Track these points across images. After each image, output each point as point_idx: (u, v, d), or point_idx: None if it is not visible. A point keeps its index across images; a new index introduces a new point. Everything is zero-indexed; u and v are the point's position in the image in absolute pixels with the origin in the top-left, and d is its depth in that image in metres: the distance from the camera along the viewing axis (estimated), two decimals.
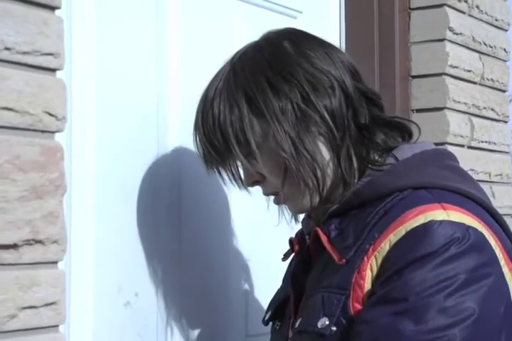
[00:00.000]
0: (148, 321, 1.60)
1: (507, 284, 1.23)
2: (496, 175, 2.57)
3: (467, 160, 2.40)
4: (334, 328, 1.22)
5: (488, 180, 2.52)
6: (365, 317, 1.18)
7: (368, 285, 1.21)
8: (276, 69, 1.32)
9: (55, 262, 1.16)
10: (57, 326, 1.16)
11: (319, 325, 1.23)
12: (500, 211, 2.53)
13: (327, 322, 1.22)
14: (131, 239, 1.57)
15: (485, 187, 2.51)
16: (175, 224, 1.67)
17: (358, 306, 1.21)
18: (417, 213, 1.21)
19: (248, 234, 1.83)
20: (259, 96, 1.30)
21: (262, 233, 1.85)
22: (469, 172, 2.38)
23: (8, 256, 1.09)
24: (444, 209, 1.21)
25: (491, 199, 2.51)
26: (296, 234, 1.46)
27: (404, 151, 1.32)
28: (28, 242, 1.11)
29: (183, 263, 1.68)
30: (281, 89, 1.30)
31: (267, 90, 1.30)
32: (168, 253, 1.65)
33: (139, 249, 1.59)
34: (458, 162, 1.38)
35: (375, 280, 1.20)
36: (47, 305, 1.13)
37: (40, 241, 1.12)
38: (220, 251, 1.78)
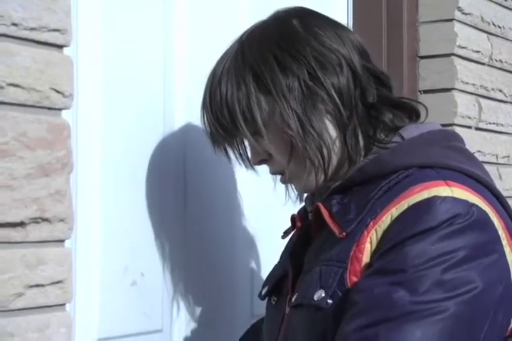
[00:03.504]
0: (154, 301, 1.60)
1: (508, 264, 1.23)
2: (503, 157, 2.56)
3: (474, 142, 2.39)
4: (330, 301, 1.22)
5: (496, 161, 2.51)
6: (361, 286, 1.19)
7: (365, 258, 1.21)
8: (285, 47, 1.31)
9: (62, 240, 1.15)
10: (63, 305, 1.16)
11: (315, 297, 1.24)
12: (507, 193, 2.54)
13: (323, 295, 1.23)
14: (137, 219, 1.57)
15: (492, 168, 2.51)
16: (180, 203, 1.66)
17: (356, 279, 1.21)
18: (422, 189, 1.21)
19: (254, 213, 1.83)
20: (267, 73, 1.30)
21: (268, 212, 1.85)
22: (476, 154, 2.39)
23: (15, 234, 1.08)
24: (448, 186, 1.22)
25: (498, 181, 2.52)
26: (299, 212, 1.46)
27: (411, 131, 1.33)
28: (35, 220, 1.10)
29: (189, 243, 1.67)
30: (289, 66, 1.30)
31: (275, 67, 1.30)
32: (174, 233, 1.64)
33: (145, 228, 1.59)
34: (464, 143, 1.38)
35: (374, 254, 1.21)
36: (53, 283, 1.13)
37: (46, 220, 1.12)
38: (225, 231, 1.77)
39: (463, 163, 1.29)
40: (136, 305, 1.56)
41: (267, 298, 1.47)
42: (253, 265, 1.84)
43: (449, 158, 1.29)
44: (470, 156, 1.35)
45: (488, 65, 2.51)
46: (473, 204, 1.20)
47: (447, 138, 1.35)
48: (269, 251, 1.81)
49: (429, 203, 1.19)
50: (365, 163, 1.31)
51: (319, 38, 1.32)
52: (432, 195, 1.20)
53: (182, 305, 1.66)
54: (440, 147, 1.31)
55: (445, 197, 1.19)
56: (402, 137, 1.31)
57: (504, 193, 2.52)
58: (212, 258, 1.74)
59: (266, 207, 1.84)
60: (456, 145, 1.34)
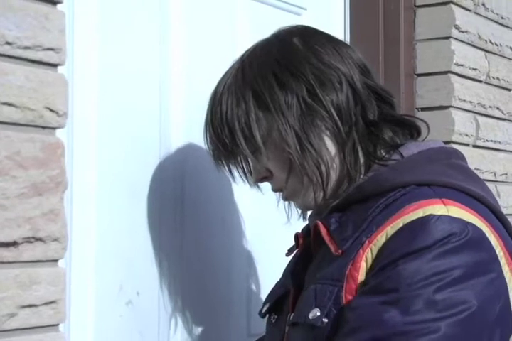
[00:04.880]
0: (149, 320, 1.59)
1: (506, 283, 1.22)
2: (501, 175, 2.56)
3: (472, 159, 2.38)
4: (325, 320, 1.21)
5: (494, 179, 2.51)
6: (353, 304, 1.18)
7: (361, 277, 1.21)
8: (284, 65, 1.32)
9: (56, 260, 1.14)
10: (57, 325, 1.14)
11: (310, 316, 1.23)
12: (506, 211, 2.53)
13: (318, 313, 1.22)
14: (132, 237, 1.56)
15: (490, 186, 2.48)
16: (177, 222, 1.65)
17: (351, 298, 1.21)
18: (417, 207, 1.21)
19: (252, 232, 1.82)
20: (266, 90, 1.31)
21: (264, 231, 1.84)
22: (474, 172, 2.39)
23: (7, 253, 1.07)
24: (444, 204, 1.21)
25: (496, 198, 2.51)
26: (302, 230, 1.45)
27: (411, 148, 1.32)
28: (28, 240, 1.09)
29: (185, 261, 1.67)
30: (288, 83, 1.31)
31: (274, 85, 1.31)
32: (170, 252, 1.64)
33: (141, 247, 1.58)
34: (465, 160, 1.38)
35: (369, 272, 1.21)
36: (47, 303, 1.12)
37: (40, 239, 1.11)
38: (222, 250, 1.76)
39: (461, 181, 1.28)
40: (132, 324, 1.55)
41: (267, 316, 1.46)
42: (250, 284, 1.83)
43: (448, 175, 1.28)
44: (470, 174, 1.34)
45: (486, 83, 2.52)
46: (468, 223, 1.20)
47: (447, 156, 1.34)
48: (267, 270, 1.80)
49: (423, 222, 1.19)
50: (363, 181, 1.30)
51: (319, 55, 1.33)
52: (427, 213, 1.19)
53: (178, 324, 1.65)
54: (439, 165, 1.31)
55: (440, 216, 1.19)
56: (402, 155, 1.31)
57: (503, 211, 2.52)
58: (209, 277, 1.73)
59: (264, 226, 1.83)
60: (456, 163, 1.34)
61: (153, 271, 1.60)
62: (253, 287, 1.83)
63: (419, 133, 1.38)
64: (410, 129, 1.37)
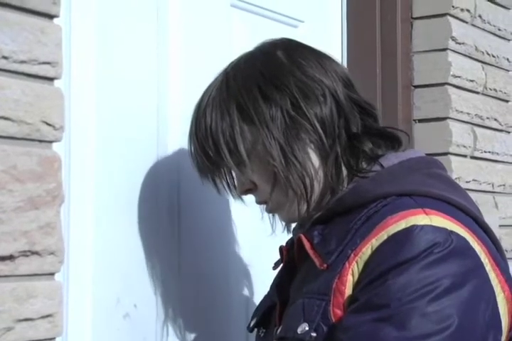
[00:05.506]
0: (147, 333, 1.59)
1: (493, 289, 1.22)
2: (498, 186, 2.56)
3: (470, 171, 2.39)
4: (314, 334, 1.21)
5: (491, 190, 2.51)
6: (346, 323, 1.17)
7: (348, 290, 1.21)
8: (268, 78, 1.32)
9: (52, 273, 1.14)
10: (53, 339, 1.15)
11: (299, 330, 1.23)
12: (504, 222, 2.53)
13: (307, 328, 1.22)
14: (130, 250, 1.56)
15: (488, 197, 2.51)
16: (174, 234, 1.65)
17: (339, 312, 1.20)
18: (399, 218, 1.21)
19: (248, 241, 1.82)
20: (250, 103, 1.31)
21: (262, 240, 1.83)
22: (472, 183, 2.39)
23: (4, 267, 1.08)
24: (426, 214, 1.21)
25: (494, 209, 2.52)
26: (287, 243, 1.45)
27: (390, 159, 1.33)
28: (25, 253, 1.10)
29: (183, 273, 1.66)
30: (272, 96, 1.31)
31: (258, 98, 1.31)
32: (167, 264, 1.63)
33: (138, 259, 1.58)
34: (445, 170, 1.39)
35: (356, 286, 1.20)
36: (43, 317, 1.12)
37: (36, 253, 1.11)
38: (219, 261, 1.76)
39: (442, 190, 1.28)
40: (129, 337, 1.55)
41: (255, 330, 1.46)
42: (249, 294, 1.83)
43: (428, 185, 1.29)
44: (451, 183, 1.35)
45: (483, 94, 2.52)
46: (452, 232, 1.20)
47: (427, 166, 1.35)
48: (265, 280, 1.80)
49: (407, 233, 1.19)
50: (344, 193, 1.31)
51: (302, 68, 1.33)
52: (410, 224, 1.19)
53: (176, 336, 1.65)
54: (420, 174, 1.31)
55: (423, 226, 1.19)
56: (382, 165, 1.31)
57: (501, 222, 2.53)
58: (206, 289, 1.73)
59: (261, 237, 1.83)
60: (436, 172, 1.34)
61: (150, 284, 1.59)
62: (252, 297, 1.83)
63: (400, 144, 1.38)
64: (392, 141, 1.37)
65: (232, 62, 1.39)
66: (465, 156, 2.40)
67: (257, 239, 1.83)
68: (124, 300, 1.54)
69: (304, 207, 1.33)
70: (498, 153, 2.57)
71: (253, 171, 1.33)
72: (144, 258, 1.58)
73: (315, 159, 1.32)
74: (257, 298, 1.81)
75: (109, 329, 1.51)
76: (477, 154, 2.46)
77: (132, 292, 1.55)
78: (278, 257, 1.47)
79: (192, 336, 1.68)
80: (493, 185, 2.52)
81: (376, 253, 1.19)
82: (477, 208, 1.32)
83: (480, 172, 2.46)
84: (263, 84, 1.32)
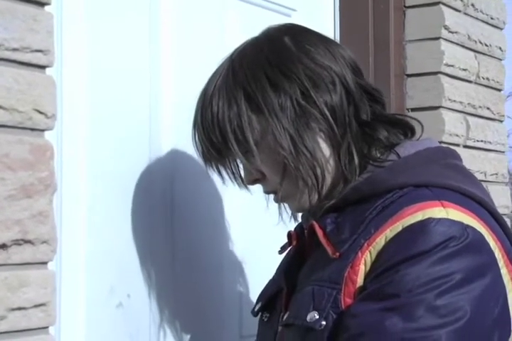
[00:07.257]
0: (140, 322, 1.59)
1: (504, 286, 1.21)
2: (491, 175, 2.56)
3: (463, 160, 2.38)
4: (324, 323, 1.20)
5: (484, 179, 2.51)
6: (354, 310, 1.17)
7: (360, 280, 1.20)
8: (276, 65, 1.29)
9: (45, 262, 1.14)
10: (47, 327, 1.14)
11: (308, 318, 1.22)
12: None
13: (317, 316, 1.21)
14: (123, 239, 1.56)
15: None
16: (168, 224, 1.65)
17: (350, 301, 1.20)
18: (416, 210, 1.19)
19: (241, 234, 1.82)
20: (258, 92, 1.28)
21: (255, 234, 1.84)
22: None
23: None
24: (443, 206, 1.19)
25: None
26: (296, 228, 1.43)
27: (407, 148, 1.30)
28: (17, 242, 1.09)
29: (176, 263, 1.66)
30: (281, 85, 1.28)
31: (266, 86, 1.28)
32: (160, 254, 1.63)
33: (132, 249, 1.57)
34: (461, 160, 1.36)
35: (368, 275, 1.19)
36: (36, 306, 1.11)
37: (29, 241, 1.11)
38: (213, 252, 1.76)
39: (459, 182, 1.26)
40: (123, 327, 1.55)
41: (259, 314, 1.45)
42: (241, 286, 1.83)
43: (445, 176, 1.27)
44: (467, 174, 1.33)
45: (476, 83, 2.52)
46: (468, 226, 1.18)
47: (444, 156, 1.32)
48: (258, 272, 1.80)
49: (423, 225, 1.17)
50: (359, 182, 1.28)
51: (311, 55, 1.30)
52: (427, 216, 1.18)
53: (169, 326, 1.64)
54: (437, 165, 1.29)
55: (440, 219, 1.17)
56: (398, 155, 1.29)
57: None
58: (200, 279, 1.73)
59: (254, 228, 1.83)
60: (453, 163, 1.32)
61: (144, 273, 1.59)
62: (245, 289, 1.83)
63: (413, 132, 1.36)
64: (404, 129, 1.35)
65: (237, 49, 1.35)
66: (458, 145, 2.40)
67: (251, 231, 1.84)
68: (118, 290, 1.53)
69: (316, 197, 1.31)
70: (490, 142, 2.58)
71: (262, 161, 1.30)
72: (137, 247, 1.58)
73: (325, 148, 1.30)
74: (251, 288, 1.82)
75: (103, 319, 1.50)
76: (470, 143, 2.46)
77: (126, 281, 1.55)
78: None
79: (186, 325, 1.68)
80: (485, 174, 2.52)
81: (390, 244, 1.18)
82: (491, 199, 1.30)
83: (473, 161, 2.46)
84: (271, 72, 1.29)
